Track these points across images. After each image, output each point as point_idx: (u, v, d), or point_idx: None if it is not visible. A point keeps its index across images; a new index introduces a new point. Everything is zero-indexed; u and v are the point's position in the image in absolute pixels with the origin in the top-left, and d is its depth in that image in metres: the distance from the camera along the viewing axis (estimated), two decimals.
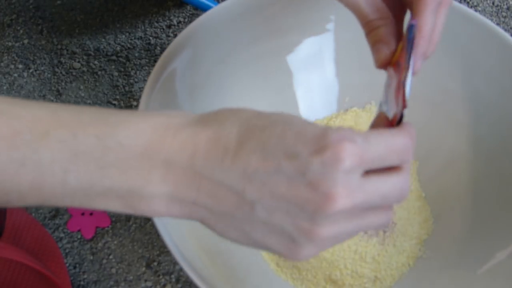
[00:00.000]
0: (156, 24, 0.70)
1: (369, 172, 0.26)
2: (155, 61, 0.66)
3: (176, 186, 0.27)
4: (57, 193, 0.27)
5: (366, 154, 0.26)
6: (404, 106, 0.30)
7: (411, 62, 0.31)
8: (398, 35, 0.35)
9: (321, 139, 0.25)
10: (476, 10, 0.72)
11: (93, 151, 0.26)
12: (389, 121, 0.32)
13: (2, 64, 0.66)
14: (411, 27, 0.32)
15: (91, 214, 0.55)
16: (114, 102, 0.63)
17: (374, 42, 0.35)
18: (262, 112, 0.28)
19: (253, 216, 0.26)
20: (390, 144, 0.27)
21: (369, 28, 0.35)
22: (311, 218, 0.26)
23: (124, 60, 0.67)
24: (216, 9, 0.50)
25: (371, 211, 0.27)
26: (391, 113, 0.32)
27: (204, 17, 0.50)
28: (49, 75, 0.66)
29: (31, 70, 0.66)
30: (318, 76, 0.56)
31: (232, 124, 0.27)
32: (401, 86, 0.31)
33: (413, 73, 0.32)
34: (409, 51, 0.31)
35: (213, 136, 0.27)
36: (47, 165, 0.26)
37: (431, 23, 0.33)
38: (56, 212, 0.55)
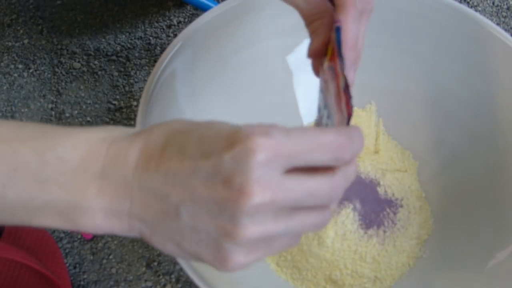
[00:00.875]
0: (156, 24, 0.70)
1: (296, 171, 0.25)
2: (155, 61, 0.66)
3: (111, 199, 0.27)
4: None
5: (283, 148, 0.24)
6: (349, 113, 0.29)
7: (346, 66, 0.31)
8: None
9: (233, 135, 0.25)
10: (476, 10, 0.72)
11: (31, 165, 0.26)
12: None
13: (2, 64, 0.66)
14: (337, 29, 0.32)
15: None
16: (114, 102, 0.63)
17: (311, 33, 0.36)
18: (193, 121, 0.28)
19: (180, 222, 0.26)
20: (317, 140, 0.25)
21: (308, 21, 0.37)
22: (231, 218, 0.25)
23: (124, 60, 0.67)
24: (216, 9, 0.50)
25: (302, 211, 0.26)
26: (334, 118, 0.31)
27: (204, 17, 0.50)
28: (49, 75, 0.66)
29: (31, 70, 0.66)
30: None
31: (159, 133, 0.27)
32: (341, 93, 0.30)
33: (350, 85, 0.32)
34: (340, 54, 0.31)
35: (142, 146, 0.27)
36: None
37: (355, 32, 0.33)
38: None
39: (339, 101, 0.31)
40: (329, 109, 0.32)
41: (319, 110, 0.35)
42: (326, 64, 0.34)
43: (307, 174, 0.25)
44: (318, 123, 0.34)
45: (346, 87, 0.30)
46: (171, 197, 0.26)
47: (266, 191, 0.24)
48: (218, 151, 0.25)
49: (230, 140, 0.25)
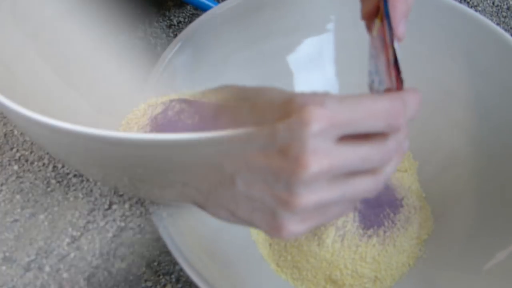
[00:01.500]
0: (156, 24, 0.70)
1: (349, 138, 0.26)
2: (155, 61, 0.66)
3: None
4: None
5: (337, 117, 0.25)
6: (398, 88, 0.29)
7: (396, 18, 0.31)
8: None
9: (287, 104, 0.25)
10: (476, 10, 0.72)
11: None
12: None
13: None
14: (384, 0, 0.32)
15: None
16: None
17: None
18: (244, 86, 0.28)
19: (235, 190, 0.26)
20: (369, 108, 0.25)
21: None
22: (287, 187, 0.25)
23: None
24: (216, 9, 0.50)
25: (356, 176, 0.26)
26: (383, 85, 0.31)
27: (204, 17, 0.50)
28: None
29: None
30: (318, 76, 0.57)
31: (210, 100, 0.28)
32: (391, 66, 0.31)
33: (399, 40, 0.32)
34: (388, 26, 0.31)
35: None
36: None
37: None
38: None
39: (389, 73, 0.31)
40: (380, 76, 0.32)
41: (370, 74, 0.34)
42: (376, 29, 0.34)
43: (359, 140, 0.26)
44: (371, 87, 0.34)
45: (396, 62, 0.30)
46: (226, 166, 0.26)
47: (322, 161, 0.24)
48: (273, 121, 0.25)
49: (285, 110, 0.25)
